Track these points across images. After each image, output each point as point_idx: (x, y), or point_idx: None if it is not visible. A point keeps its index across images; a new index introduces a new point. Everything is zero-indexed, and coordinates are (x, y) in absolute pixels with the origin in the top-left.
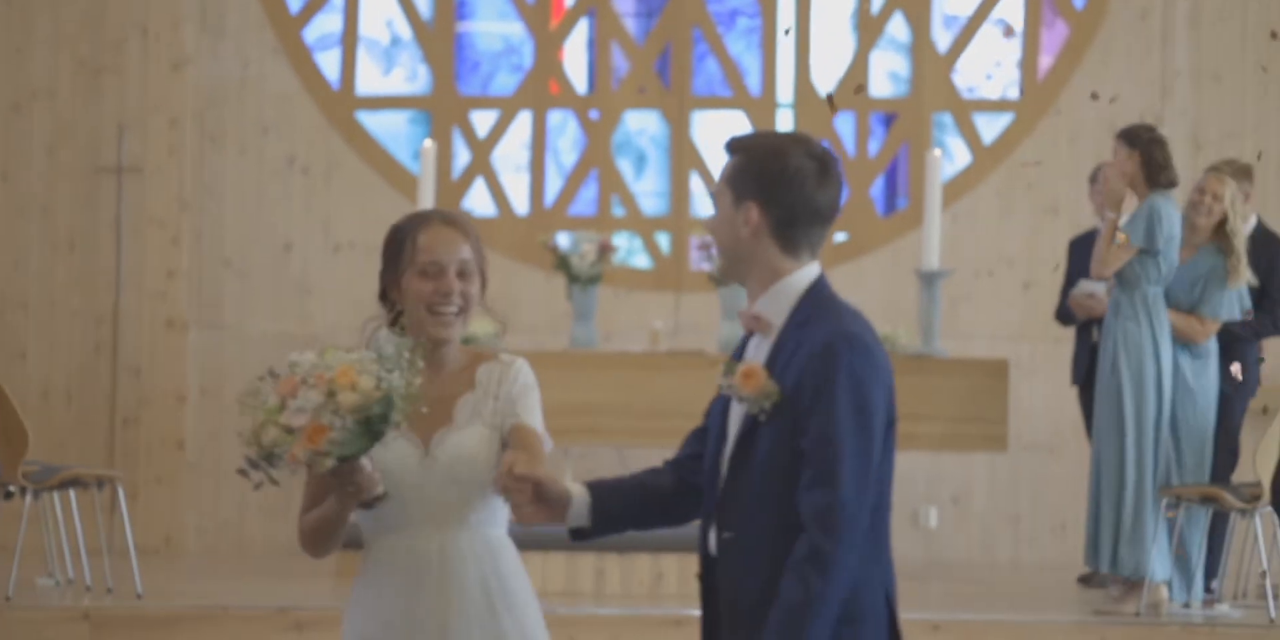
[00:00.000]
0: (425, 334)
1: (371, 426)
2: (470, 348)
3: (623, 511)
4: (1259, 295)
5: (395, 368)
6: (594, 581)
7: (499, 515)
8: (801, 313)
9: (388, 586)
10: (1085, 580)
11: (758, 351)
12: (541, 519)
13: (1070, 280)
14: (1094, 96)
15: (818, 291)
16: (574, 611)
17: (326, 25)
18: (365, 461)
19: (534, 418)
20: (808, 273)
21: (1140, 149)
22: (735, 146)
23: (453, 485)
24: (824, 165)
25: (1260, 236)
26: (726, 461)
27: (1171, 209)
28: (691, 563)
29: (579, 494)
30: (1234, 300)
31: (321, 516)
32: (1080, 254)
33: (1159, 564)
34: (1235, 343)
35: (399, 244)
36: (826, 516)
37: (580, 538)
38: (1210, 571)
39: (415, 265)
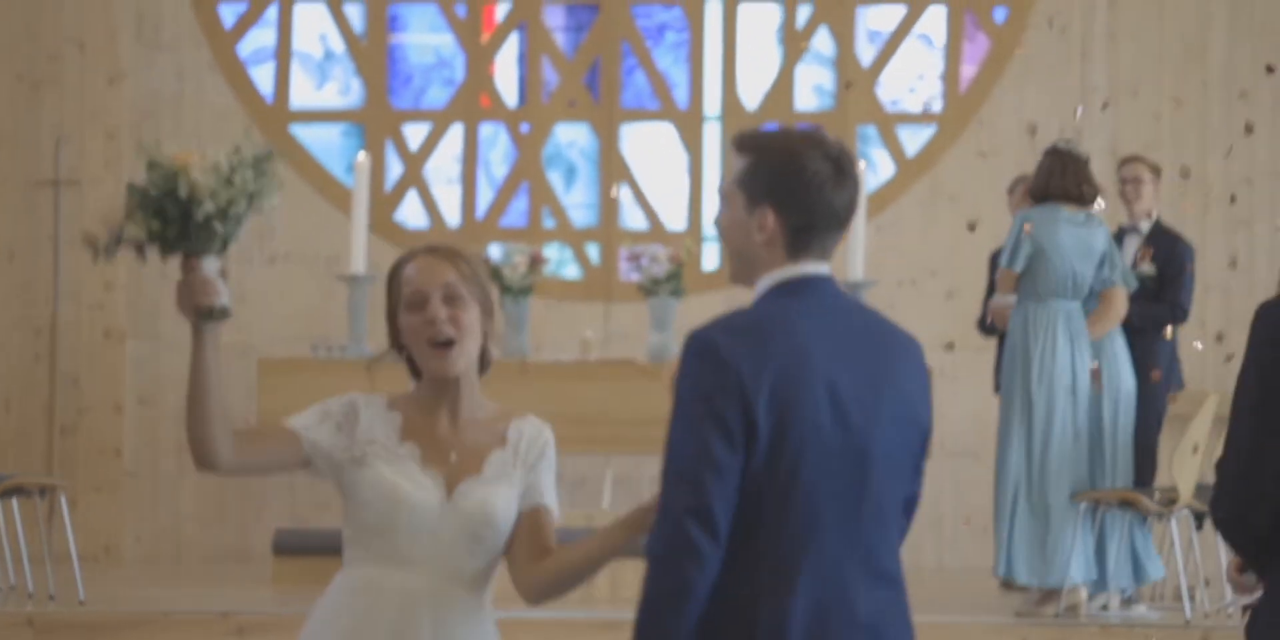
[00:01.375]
0: (427, 372)
1: (168, 207)
2: (500, 405)
3: None
4: (1159, 286)
5: (249, 173)
6: None
7: (491, 580)
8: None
9: (370, 615)
10: (1007, 585)
11: None
12: None
13: (992, 291)
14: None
15: (776, 291)
16: (507, 615)
17: (260, 40)
18: (209, 266)
19: (554, 497)
20: (787, 272)
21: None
22: (746, 146)
23: (468, 540)
24: (840, 166)
25: (1158, 232)
26: None
27: (1037, 220)
28: (620, 569)
29: None
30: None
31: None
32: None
33: (1077, 567)
34: (1144, 340)
35: (390, 283)
36: (656, 520)
37: None
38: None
39: (404, 300)
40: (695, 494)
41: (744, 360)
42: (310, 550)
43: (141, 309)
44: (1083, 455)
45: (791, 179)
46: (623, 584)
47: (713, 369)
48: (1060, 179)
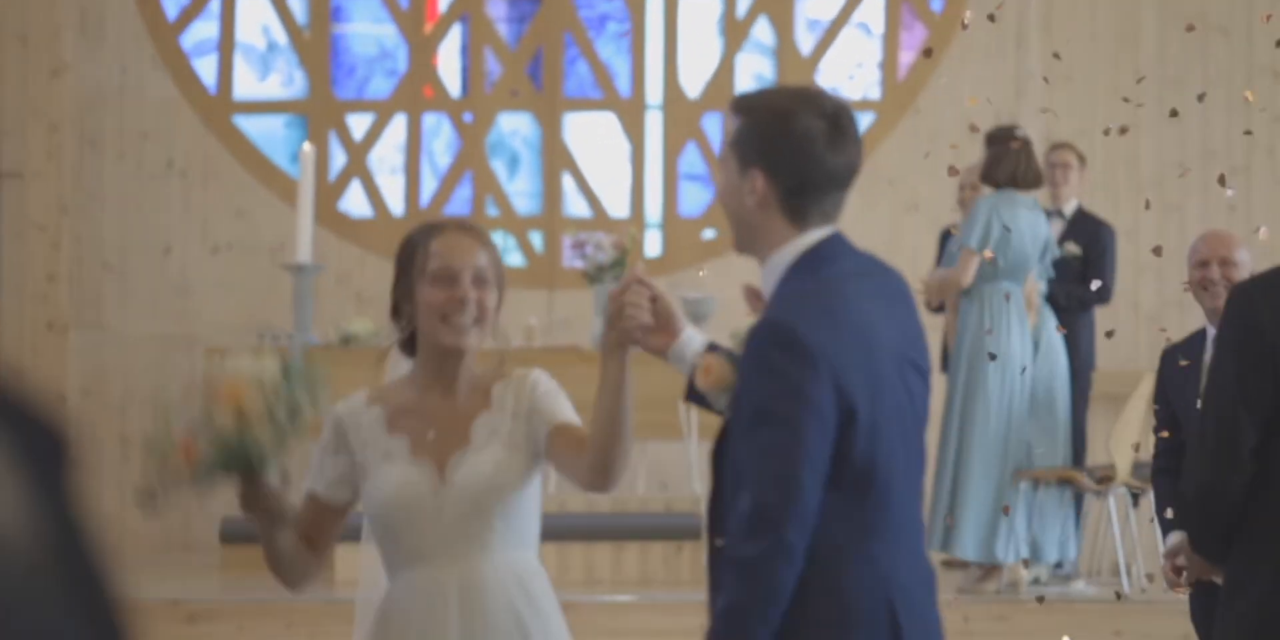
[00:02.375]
0: (437, 344)
1: (237, 459)
2: (489, 369)
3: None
4: (1084, 267)
5: (293, 392)
6: None
7: (527, 537)
8: (777, 289)
9: (408, 623)
10: (948, 562)
11: None
12: (646, 336)
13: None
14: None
15: (804, 264)
16: None
17: (203, 32)
18: (271, 478)
19: (571, 415)
20: (804, 241)
21: (987, 148)
22: (738, 107)
23: (473, 512)
24: (836, 124)
25: (1081, 216)
26: (710, 463)
27: (1000, 205)
28: (567, 552)
29: (695, 333)
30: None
31: (260, 537)
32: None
33: (1020, 544)
34: (1070, 319)
35: (410, 252)
36: (742, 522)
37: (692, 396)
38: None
39: (427, 273)
40: (793, 493)
41: (826, 343)
42: (258, 538)
43: (85, 300)
44: (1024, 433)
45: (781, 139)
46: (570, 567)
47: (799, 358)
48: (1016, 164)
